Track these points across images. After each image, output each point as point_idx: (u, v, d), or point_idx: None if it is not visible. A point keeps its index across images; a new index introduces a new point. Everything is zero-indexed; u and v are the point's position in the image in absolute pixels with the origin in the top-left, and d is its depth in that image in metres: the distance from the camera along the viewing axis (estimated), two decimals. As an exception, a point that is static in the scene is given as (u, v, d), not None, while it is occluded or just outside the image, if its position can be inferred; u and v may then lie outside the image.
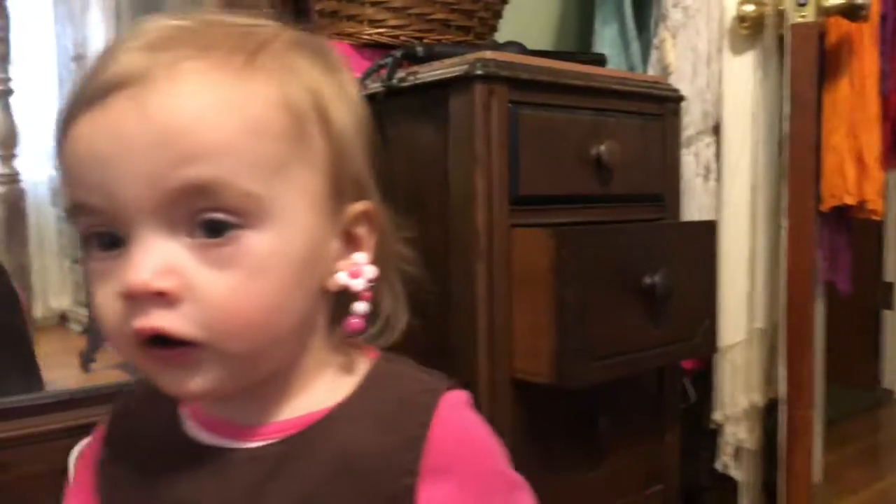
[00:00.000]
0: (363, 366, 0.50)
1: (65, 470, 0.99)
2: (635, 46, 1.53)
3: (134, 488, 0.48)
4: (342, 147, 0.47)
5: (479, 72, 0.86)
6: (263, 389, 0.46)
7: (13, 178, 2.70)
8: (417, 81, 0.93)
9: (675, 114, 1.14)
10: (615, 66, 1.51)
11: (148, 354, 0.43)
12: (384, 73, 0.96)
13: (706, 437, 1.45)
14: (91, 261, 0.44)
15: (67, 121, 0.42)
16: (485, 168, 0.86)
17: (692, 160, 1.39)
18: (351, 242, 0.48)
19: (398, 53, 0.96)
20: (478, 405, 0.87)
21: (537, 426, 0.94)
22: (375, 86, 0.97)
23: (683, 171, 1.28)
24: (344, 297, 0.48)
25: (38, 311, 3.91)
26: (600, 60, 1.20)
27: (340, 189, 0.47)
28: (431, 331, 0.94)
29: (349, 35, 1.11)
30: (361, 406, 0.47)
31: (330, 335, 0.49)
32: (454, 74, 0.88)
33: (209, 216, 0.41)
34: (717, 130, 1.39)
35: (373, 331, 0.50)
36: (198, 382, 0.43)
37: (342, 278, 0.47)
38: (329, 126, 0.46)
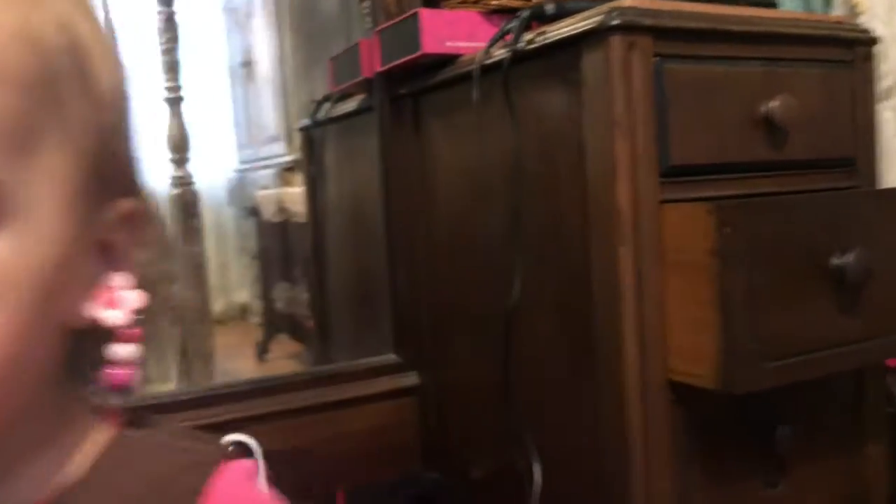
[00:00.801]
0: (100, 437, 0.35)
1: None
2: (815, -12, 1.32)
3: None
4: (108, 117, 0.33)
5: (615, 22, 0.73)
6: None
7: (186, 180, 2.86)
8: (546, 42, 0.81)
9: (867, 59, 0.94)
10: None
11: None
12: (510, 38, 0.86)
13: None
14: None
15: None
16: (627, 135, 0.74)
17: (891, 116, 1.16)
18: (106, 257, 0.34)
19: (525, 14, 0.85)
20: (627, 411, 0.76)
21: (701, 434, 0.80)
22: (501, 52, 0.87)
23: (881, 130, 1.07)
24: (83, 337, 0.34)
25: (220, 304, 4.15)
26: (769, 3, 1.02)
27: (102, 180, 0.33)
28: (572, 327, 0.83)
29: (476, 2, 1.02)
30: (93, 498, 0.33)
31: (60, 393, 0.34)
32: (587, 28, 0.76)
33: None
34: (923, 77, 1.16)
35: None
36: None
37: (94, 310, 0.33)
38: (91, 84, 0.32)
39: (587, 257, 0.78)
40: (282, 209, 2.85)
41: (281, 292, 3.10)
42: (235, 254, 4.15)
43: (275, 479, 0.38)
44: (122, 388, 0.34)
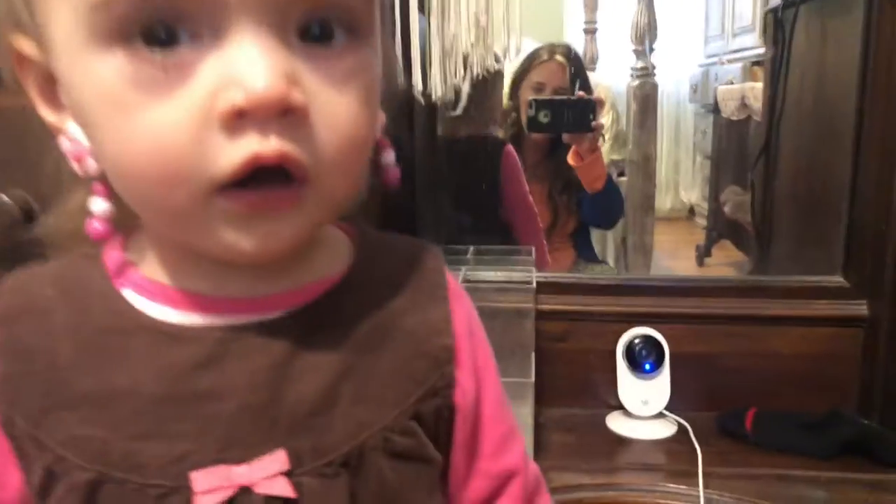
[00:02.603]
0: (340, 234, 0.44)
1: (613, 351, 1.00)
2: None
3: (90, 397, 0.36)
4: None
5: None
6: None
7: (647, 72, 2.83)
8: None
9: None
10: None
11: (236, 200, 0.32)
12: None
13: None
14: (130, 63, 0.31)
15: None
16: None
17: None
18: None
19: None
20: None
21: None
22: None
23: None
24: None
25: (667, 203, 4.17)
26: None
27: None
28: None
29: None
30: (373, 270, 0.42)
31: None
32: None
33: (326, 15, 0.33)
34: None
35: None
36: (288, 234, 0.34)
37: None
38: None
39: None
40: (743, 106, 2.63)
41: (730, 195, 2.93)
42: (690, 151, 4.05)
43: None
44: (395, 184, 0.43)
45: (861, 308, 0.98)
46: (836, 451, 0.90)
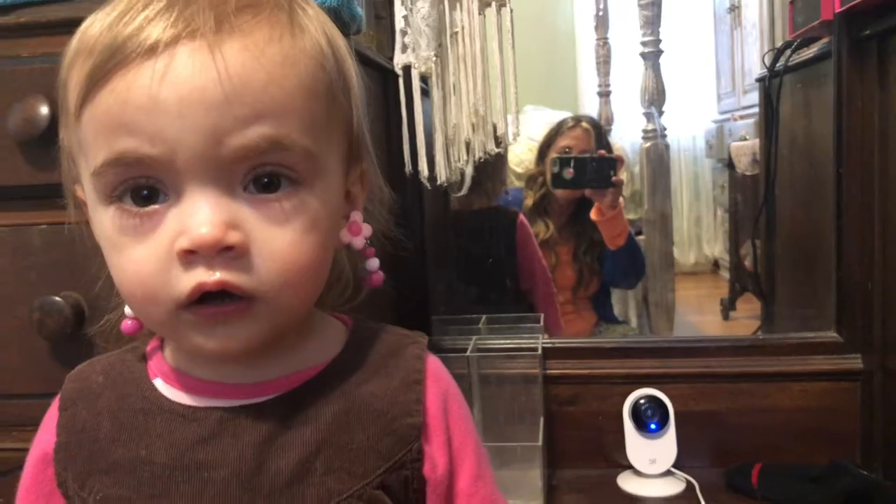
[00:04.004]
0: (338, 325, 0.52)
1: (620, 412, 1.05)
2: None
3: (120, 464, 0.46)
4: (355, 105, 0.48)
5: None
6: (266, 348, 0.46)
7: (658, 134, 2.93)
8: None
9: None
10: None
11: (195, 313, 0.42)
12: None
13: None
14: (119, 216, 0.42)
15: (109, 69, 0.40)
16: None
17: None
18: (348, 201, 0.50)
19: None
20: None
21: None
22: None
23: None
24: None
25: (691, 257, 4.20)
26: None
27: (353, 148, 0.48)
28: None
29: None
30: (357, 359, 0.49)
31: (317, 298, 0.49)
32: None
33: (270, 170, 0.42)
34: None
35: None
36: (243, 337, 0.43)
37: (345, 236, 0.49)
38: (346, 83, 0.47)
39: None
40: (756, 161, 2.69)
41: (750, 248, 2.95)
42: (710, 206, 4.08)
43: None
44: (378, 286, 0.53)
45: (856, 362, 1.02)
46: (840, 503, 0.93)
